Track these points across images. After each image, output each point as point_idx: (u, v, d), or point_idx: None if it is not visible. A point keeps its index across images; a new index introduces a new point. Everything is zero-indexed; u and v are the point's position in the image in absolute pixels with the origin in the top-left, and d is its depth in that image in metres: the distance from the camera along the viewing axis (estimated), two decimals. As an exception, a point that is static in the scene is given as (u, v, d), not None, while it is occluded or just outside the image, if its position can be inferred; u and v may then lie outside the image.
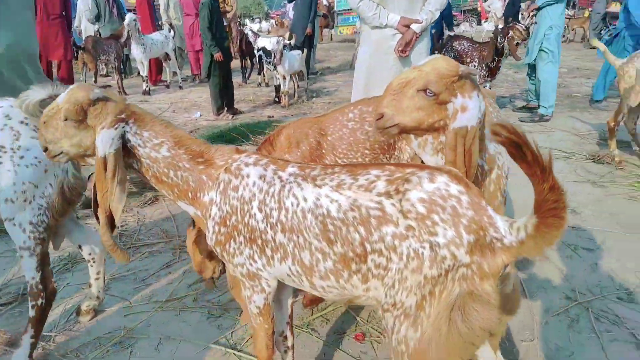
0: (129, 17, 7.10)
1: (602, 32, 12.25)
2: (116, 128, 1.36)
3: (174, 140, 1.41)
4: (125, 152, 1.39)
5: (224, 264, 1.73)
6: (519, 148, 0.94)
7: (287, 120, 5.84)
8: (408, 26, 2.82)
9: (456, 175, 1.10)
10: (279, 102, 6.70)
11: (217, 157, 1.39)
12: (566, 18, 14.24)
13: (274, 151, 1.94)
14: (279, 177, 1.26)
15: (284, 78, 6.45)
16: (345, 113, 2.04)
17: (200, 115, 6.19)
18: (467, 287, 0.98)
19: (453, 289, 0.99)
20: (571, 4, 19.20)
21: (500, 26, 4.99)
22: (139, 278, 2.49)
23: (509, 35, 5.25)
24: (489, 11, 16.09)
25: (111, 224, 1.41)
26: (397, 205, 1.06)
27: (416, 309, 1.02)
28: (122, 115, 1.38)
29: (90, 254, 2.03)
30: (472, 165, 1.32)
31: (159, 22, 9.31)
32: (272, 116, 6.07)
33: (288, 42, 7.73)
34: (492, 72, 5.04)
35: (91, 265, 2.05)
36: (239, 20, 16.56)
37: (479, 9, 21.27)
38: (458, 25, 18.14)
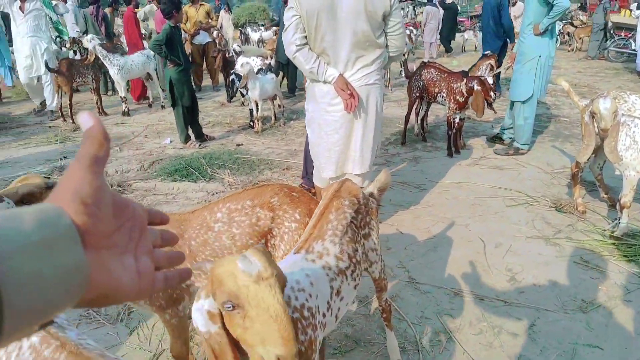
0: (88, 38, 7.02)
1: (607, 42, 11.78)
2: None
3: None
4: None
5: None
6: None
7: (254, 149, 5.67)
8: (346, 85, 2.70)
9: None
10: (253, 127, 6.53)
11: None
12: (573, 27, 13.77)
13: None
14: (20, 349, 1.08)
15: (257, 103, 6.28)
16: (214, 212, 1.84)
17: (170, 142, 6.05)
18: None
19: None
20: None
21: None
22: None
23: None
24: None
25: None
26: None
27: None
28: None
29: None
30: None
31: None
32: (242, 144, 5.90)
33: (267, 62, 7.58)
34: (460, 106, 4.75)
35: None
36: (240, 29, 16.48)
37: (487, 14, 20.77)
38: (463, 32, 17.74)
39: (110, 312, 2.62)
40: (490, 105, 4.63)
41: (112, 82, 8.73)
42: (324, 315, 1.40)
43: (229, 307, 0.98)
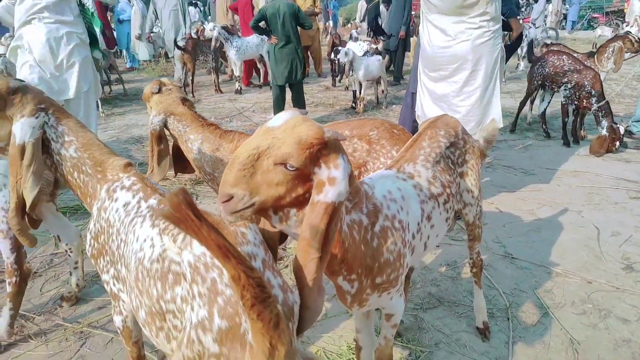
0: (216, 30, 7.35)
1: None
2: (37, 117, 1.40)
3: (82, 142, 1.44)
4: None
5: None
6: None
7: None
8: None
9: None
10: (355, 108, 6.58)
11: (110, 170, 1.39)
12: None
13: None
14: (138, 208, 1.20)
15: (361, 84, 6.31)
16: None
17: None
18: None
19: None
20: None
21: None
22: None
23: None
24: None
25: (23, 209, 1.47)
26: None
27: None
28: (42, 105, 1.43)
29: (67, 245, 2.19)
30: (330, 243, 1.00)
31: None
32: (342, 122, 5.97)
33: (374, 47, 7.55)
34: (580, 106, 4.35)
35: (69, 256, 2.21)
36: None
37: (625, 10, 18.45)
38: (595, 28, 16.05)
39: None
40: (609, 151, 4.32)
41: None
42: (413, 237, 1.33)
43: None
